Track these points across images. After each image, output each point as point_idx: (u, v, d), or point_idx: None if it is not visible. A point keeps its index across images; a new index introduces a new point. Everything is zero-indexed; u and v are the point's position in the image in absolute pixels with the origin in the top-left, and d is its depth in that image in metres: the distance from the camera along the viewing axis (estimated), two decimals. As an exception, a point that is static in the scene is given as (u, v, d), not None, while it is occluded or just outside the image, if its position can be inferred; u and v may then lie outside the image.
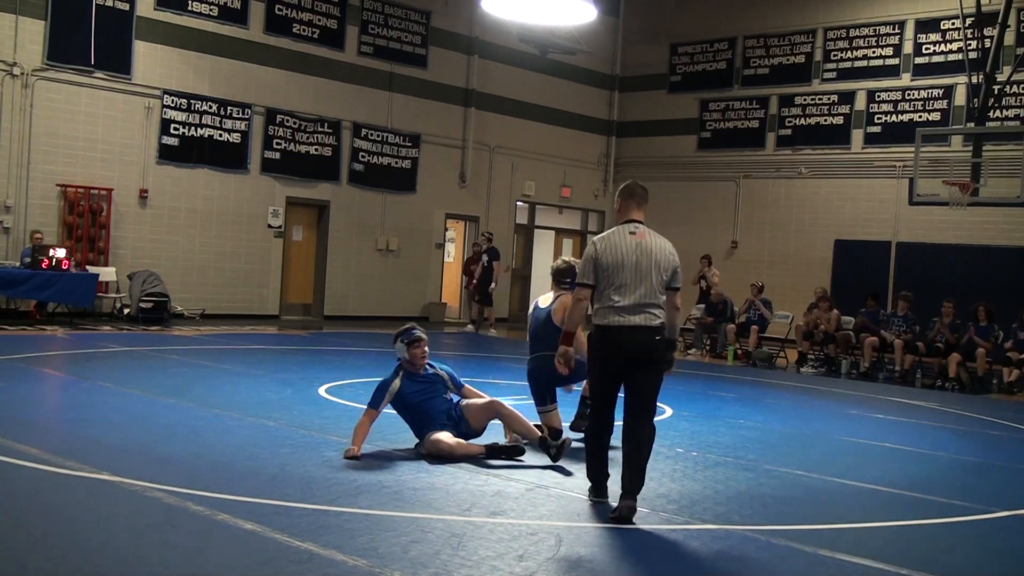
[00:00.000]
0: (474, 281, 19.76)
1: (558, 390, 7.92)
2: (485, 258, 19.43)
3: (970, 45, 17.19)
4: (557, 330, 6.85)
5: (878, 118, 20.24)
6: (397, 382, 7.13)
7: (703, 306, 18.31)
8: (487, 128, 21.99)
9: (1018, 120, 18.10)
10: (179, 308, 16.92)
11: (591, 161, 24.34)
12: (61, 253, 14.83)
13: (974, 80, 16.88)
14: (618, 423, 6.09)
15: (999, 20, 16.75)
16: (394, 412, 7.27)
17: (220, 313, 17.64)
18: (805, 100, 21.33)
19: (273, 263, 18.77)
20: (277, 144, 18.56)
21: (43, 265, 14.55)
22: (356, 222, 19.85)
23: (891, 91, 20.08)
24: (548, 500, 6.06)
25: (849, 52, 20.72)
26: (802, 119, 21.37)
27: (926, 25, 19.69)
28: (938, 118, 19.27)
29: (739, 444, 8.55)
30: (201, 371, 11.08)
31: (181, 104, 17.21)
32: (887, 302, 18.25)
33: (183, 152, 17.30)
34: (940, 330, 15.51)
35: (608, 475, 6.03)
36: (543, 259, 23.78)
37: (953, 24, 19.01)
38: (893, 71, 20.06)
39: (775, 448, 8.67)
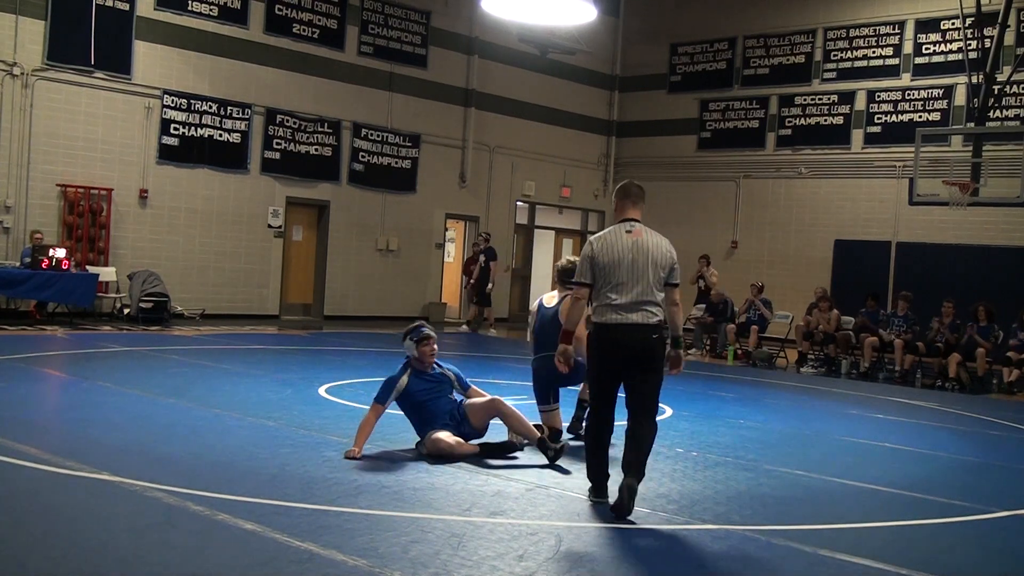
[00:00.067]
0: (471, 281, 19.77)
1: (561, 390, 7.97)
2: (482, 258, 19.44)
3: (970, 45, 17.19)
4: None
5: (878, 118, 20.24)
6: (405, 379, 7.14)
7: (703, 306, 18.32)
8: (487, 128, 21.99)
9: (1018, 120, 18.10)
10: (179, 308, 16.92)
11: (591, 161, 24.34)
12: (61, 253, 14.83)
13: (974, 80, 16.88)
14: (619, 423, 6.10)
15: (999, 20, 16.75)
16: (394, 412, 7.27)
17: (220, 313, 17.64)
18: (805, 100, 21.33)
19: (273, 263, 18.77)
20: (277, 144, 18.56)
21: (43, 265, 14.55)
22: (356, 222, 19.85)
23: (891, 91, 20.09)
24: (548, 500, 6.06)
25: (849, 52, 20.73)
26: (802, 119, 21.37)
27: (926, 25, 19.69)
28: (938, 118, 19.28)
29: (739, 444, 8.55)
30: (201, 371, 11.07)
31: (181, 104, 17.21)
32: (887, 302, 18.25)
33: (183, 152, 17.30)
34: (940, 330, 15.51)
35: (608, 475, 6.03)
36: (543, 259, 23.81)
37: (953, 24, 19.01)
38: (893, 71, 20.06)
39: (775, 448, 8.67)
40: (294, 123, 18.76)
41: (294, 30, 18.74)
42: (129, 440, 7.04)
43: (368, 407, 7.12)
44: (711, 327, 17.86)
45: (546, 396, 7.84)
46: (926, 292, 17.14)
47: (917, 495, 7.02)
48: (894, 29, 20.11)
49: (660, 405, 6.17)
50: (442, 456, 6.88)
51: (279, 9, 18.49)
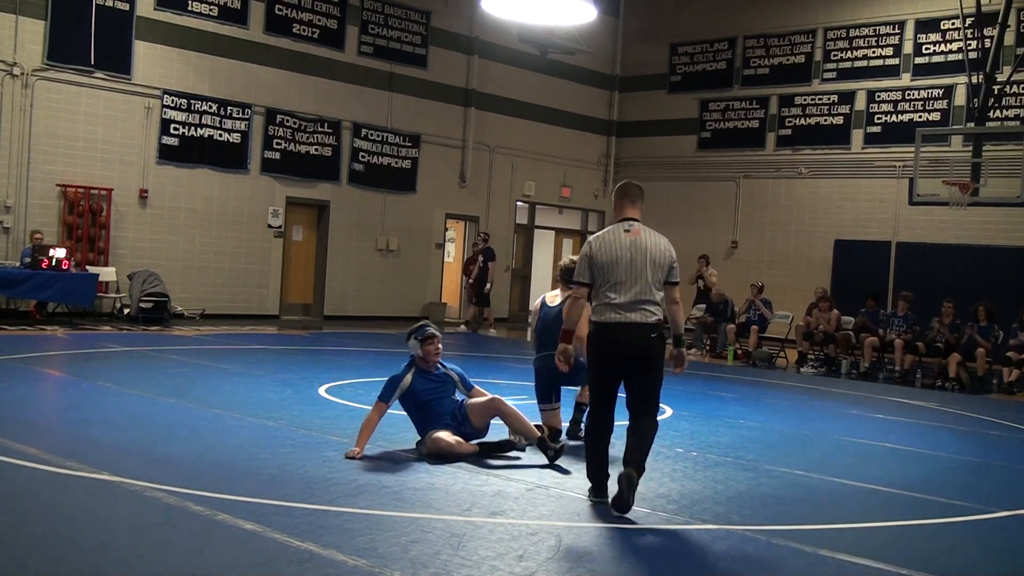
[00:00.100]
0: (470, 281, 19.77)
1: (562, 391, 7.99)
2: (480, 259, 19.44)
3: (970, 45, 17.19)
4: None
5: (878, 118, 20.24)
6: (409, 378, 7.14)
7: (703, 306, 18.32)
8: (487, 128, 21.99)
9: (1018, 120, 18.10)
10: (179, 308, 16.92)
11: (591, 161, 24.34)
12: (61, 253, 14.83)
13: (974, 80, 16.88)
14: (619, 424, 6.10)
15: (999, 20, 16.75)
16: (394, 412, 7.27)
17: (220, 313, 17.64)
18: (805, 100, 21.33)
19: (273, 263, 18.77)
20: (277, 144, 18.56)
21: (43, 265, 14.55)
22: (356, 222, 19.85)
23: (891, 91, 20.09)
24: (548, 500, 6.06)
25: (849, 52, 20.73)
26: (802, 119, 21.37)
27: (926, 25, 19.69)
28: (938, 118, 19.27)
29: (739, 444, 8.55)
30: (201, 371, 11.07)
31: (181, 104, 17.21)
32: (887, 302, 18.25)
33: (183, 152, 17.30)
34: (940, 330, 15.51)
35: (608, 475, 6.03)
36: (543, 259, 23.82)
37: (953, 24, 19.01)
38: (893, 71, 20.06)
39: (775, 448, 8.67)
40: (294, 123, 18.76)
41: (294, 30, 18.74)
42: (129, 440, 7.04)
43: (368, 407, 7.12)
44: (711, 327, 17.86)
45: (548, 395, 7.88)
46: (926, 292, 17.14)
47: (917, 495, 7.02)
48: (894, 29, 20.11)
49: (660, 405, 6.17)
50: (442, 455, 6.88)
51: (279, 9, 18.49)
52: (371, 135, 19.95)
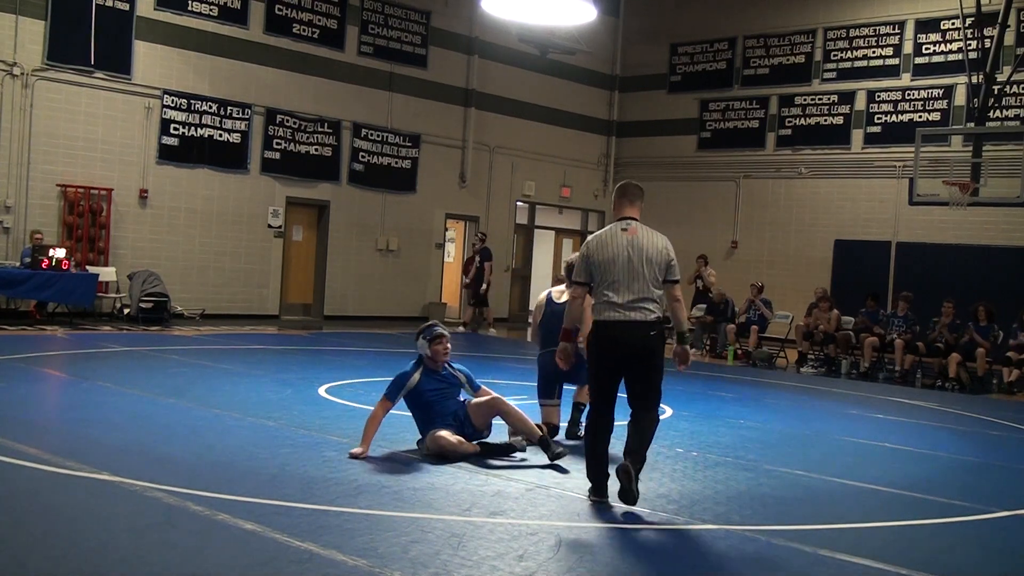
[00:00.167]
0: (468, 282, 19.77)
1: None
2: (477, 259, 19.44)
3: (970, 45, 17.19)
4: None
5: (878, 118, 20.24)
6: (416, 376, 7.14)
7: (704, 306, 18.32)
8: (487, 128, 21.99)
9: (1018, 120, 18.10)
10: (179, 308, 16.92)
11: (591, 161, 24.34)
12: (61, 253, 14.83)
13: (974, 80, 16.88)
14: (619, 424, 6.10)
15: (999, 20, 16.75)
16: (395, 411, 7.26)
17: (220, 313, 17.64)
18: (805, 100, 21.33)
19: (273, 263, 18.77)
20: (277, 144, 18.56)
21: (43, 265, 14.55)
22: (356, 222, 19.85)
23: (891, 91, 20.08)
24: (548, 500, 6.06)
25: (849, 52, 20.72)
26: (802, 119, 21.37)
27: (926, 25, 19.69)
28: (938, 118, 19.27)
29: (739, 444, 8.55)
30: (201, 371, 11.07)
31: (181, 104, 17.21)
32: (887, 302, 18.25)
33: (183, 152, 17.30)
34: (940, 330, 15.51)
35: (608, 475, 6.03)
36: (543, 259, 23.83)
37: (953, 24, 19.01)
38: (893, 71, 20.06)
39: (775, 448, 8.67)
40: (294, 123, 18.76)
41: (294, 30, 18.73)
42: (129, 440, 7.04)
43: (369, 407, 7.12)
44: (711, 327, 17.86)
45: (549, 391, 7.93)
46: (926, 292, 17.14)
47: (917, 495, 7.02)
48: (894, 29, 20.11)
49: (660, 405, 6.18)
50: (443, 454, 6.88)
51: (279, 9, 18.49)
52: (371, 135, 19.95)
